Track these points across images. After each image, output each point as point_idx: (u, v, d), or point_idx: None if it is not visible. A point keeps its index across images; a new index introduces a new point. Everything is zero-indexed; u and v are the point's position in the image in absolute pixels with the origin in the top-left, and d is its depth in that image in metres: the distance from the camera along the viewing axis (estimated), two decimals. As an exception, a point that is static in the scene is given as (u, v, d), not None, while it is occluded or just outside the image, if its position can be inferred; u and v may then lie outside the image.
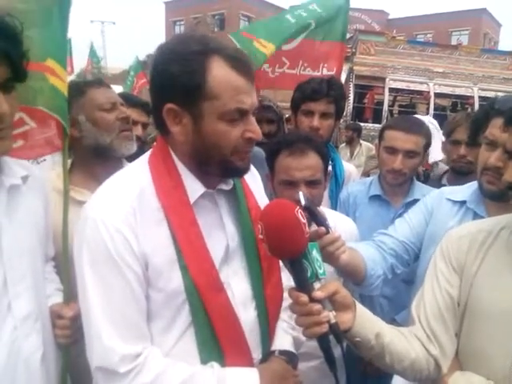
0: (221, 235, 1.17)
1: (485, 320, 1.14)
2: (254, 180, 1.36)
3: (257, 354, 1.19)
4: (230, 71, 1.04)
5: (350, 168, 2.53)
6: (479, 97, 8.70)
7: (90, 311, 1.03)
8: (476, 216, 1.58)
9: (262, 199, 1.33)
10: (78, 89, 1.77)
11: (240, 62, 1.06)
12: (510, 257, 1.14)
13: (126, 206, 1.05)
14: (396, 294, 2.03)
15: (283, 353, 1.24)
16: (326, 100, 2.18)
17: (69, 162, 1.79)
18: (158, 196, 1.08)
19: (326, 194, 2.01)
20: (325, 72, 3.02)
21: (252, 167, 1.38)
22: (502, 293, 1.12)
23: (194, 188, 1.12)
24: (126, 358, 1.01)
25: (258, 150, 2.34)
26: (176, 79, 1.03)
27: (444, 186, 2.34)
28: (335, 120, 2.27)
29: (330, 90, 2.18)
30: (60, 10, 1.53)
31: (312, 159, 1.61)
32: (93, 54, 12.09)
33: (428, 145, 2.09)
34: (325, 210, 1.88)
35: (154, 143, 1.26)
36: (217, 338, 1.09)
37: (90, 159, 1.77)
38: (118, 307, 1.03)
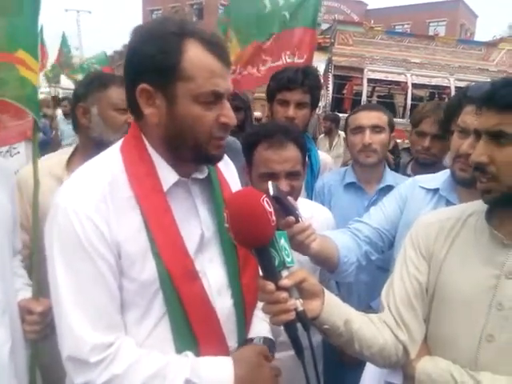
0: (195, 223, 1.16)
1: (452, 305, 1.16)
2: (228, 169, 1.36)
3: (233, 343, 1.18)
4: (206, 54, 1.03)
5: (325, 158, 2.54)
6: (455, 87, 8.80)
7: (61, 300, 1.01)
8: (449, 203, 1.61)
9: (236, 189, 1.32)
10: (101, 81, 1.81)
11: (216, 46, 1.05)
12: (477, 243, 1.16)
13: (97, 193, 1.03)
14: (372, 281, 2.06)
15: (260, 339, 1.24)
16: (301, 89, 2.17)
17: (71, 149, 1.87)
18: (130, 184, 1.07)
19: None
20: (296, 60, 3.04)
21: (226, 157, 1.37)
22: (469, 278, 1.14)
23: (168, 176, 1.11)
24: (97, 347, 0.99)
25: (233, 140, 2.33)
26: (150, 59, 1.02)
27: (409, 175, 2.38)
28: (311, 110, 2.27)
29: (306, 79, 2.17)
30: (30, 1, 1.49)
31: (291, 151, 1.60)
32: (64, 43, 11.70)
33: (391, 124, 2.16)
34: (302, 200, 1.89)
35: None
36: (191, 326, 1.08)
37: (92, 150, 1.75)
38: (89, 296, 1.01)
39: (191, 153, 1.09)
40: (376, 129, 2.10)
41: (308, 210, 1.75)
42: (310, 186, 2.30)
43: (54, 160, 1.79)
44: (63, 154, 1.79)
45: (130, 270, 1.05)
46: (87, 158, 1.72)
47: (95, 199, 1.03)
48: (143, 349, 1.06)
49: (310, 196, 2.25)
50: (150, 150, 1.11)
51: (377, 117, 2.12)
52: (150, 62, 1.02)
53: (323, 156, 2.53)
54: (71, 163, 1.78)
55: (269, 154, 1.59)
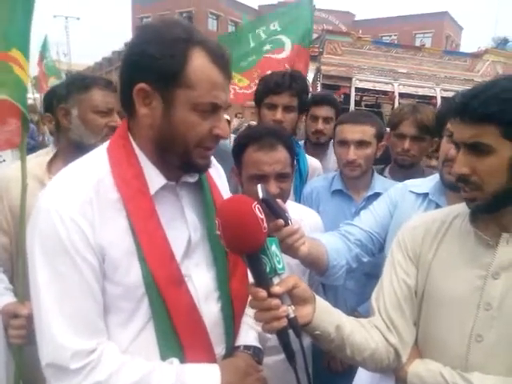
0: (182, 227, 1.15)
1: (441, 307, 1.17)
2: (218, 175, 1.35)
3: (220, 349, 1.16)
4: (211, 65, 1.04)
5: (314, 163, 2.53)
6: (441, 97, 8.91)
7: (42, 305, 0.98)
8: (438, 207, 1.62)
9: (225, 194, 1.31)
10: (83, 83, 1.79)
11: (221, 59, 1.06)
12: (463, 244, 1.17)
13: (82, 195, 1.01)
14: (359, 287, 2.06)
15: (248, 348, 1.23)
16: (288, 93, 2.19)
17: (51, 154, 1.84)
18: (116, 186, 1.05)
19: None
20: None
21: (215, 162, 1.36)
22: (456, 280, 1.15)
23: (155, 179, 1.09)
24: (79, 353, 0.96)
25: (223, 143, 2.32)
26: (155, 60, 1.01)
27: (385, 177, 2.40)
28: (298, 113, 2.28)
29: (293, 82, 2.19)
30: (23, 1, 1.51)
31: (281, 153, 1.61)
32: (44, 47, 11.45)
33: (379, 134, 2.12)
34: (291, 203, 1.88)
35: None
36: (177, 332, 1.06)
37: (73, 152, 1.73)
38: (71, 301, 0.99)
39: (178, 159, 1.09)
40: (360, 144, 2.05)
41: (297, 213, 1.75)
42: (299, 191, 2.30)
43: (35, 162, 1.78)
44: (41, 155, 1.79)
45: (113, 274, 1.03)
46: (68, 160, 1.70)
47: (80, 201, 1.00)
48: (127, 355, 1.03)
49: (297, 201, 2.24)
50: (138, 151, 1.10)
51: (362, 131, 2.06)
52: (154, 63, 1.01)
53: (312, 161, 2.52)
54: (52, 165, 1.77)
55: (259, 155, 1.59)
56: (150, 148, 1.10)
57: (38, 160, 1.78)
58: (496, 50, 10.10)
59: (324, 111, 2.73)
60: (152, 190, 1.08)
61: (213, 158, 1.34)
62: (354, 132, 2.06)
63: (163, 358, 1.06)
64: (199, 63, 1.02)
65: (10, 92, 1.48)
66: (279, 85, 2.18)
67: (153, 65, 1.01)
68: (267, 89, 2.22)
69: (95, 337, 1.00)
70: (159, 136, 1.07)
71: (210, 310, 1.15)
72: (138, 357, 1.04)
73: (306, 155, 2.51)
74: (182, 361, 1.06)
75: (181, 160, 1.09)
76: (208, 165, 1.14)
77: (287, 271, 1.49)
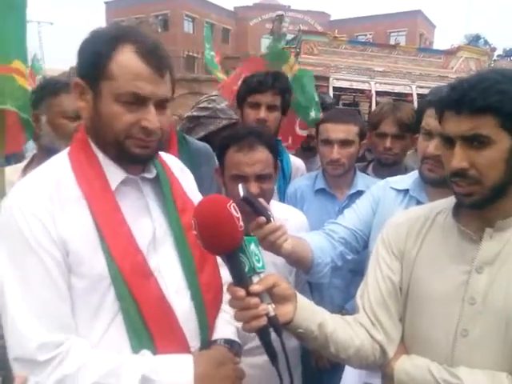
0: (147, 221, 1.17)
1: (426, 303, 1.17)
2: (183, 175, 1.36)
3: (195, 343, 1.17)
4: (135, 58, 1.07)
5: (297, 162, 2.53)
6: (417, 94, 9.05)
7: (6, 298, 0.99)
8: (419, 203, 1.64)
9: (195, 196, 1.32)
10: (52, 89, 1.80)
11: (150, 53, 1.08)
12: (447, 240, 1.18)
13: (43, 192, 1.05)
14: (345, 284, 2.07)
15: (227, 341, 1.23)
16: (271, 92, 2.18)
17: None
18: (78, 183, 1.08)
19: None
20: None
21: (181, 163, 1.38)
22: (440, 276, 1.16)
23: (115, 174, 1.13)
24: (45, 345, 0.97)
25: (204, 145, 2.31)
26: (86, 57, 1.10)
27: (369, 175, 2.43)
28: (281, 114, 2.27)
29: (276, 81, 2.19)
30: (17, 10, 1.57)
31: (262, 153, 1.61)
32: (33, 65, 11.52)
33: (362, 133, 2.14)
34: (276, 203, 1.89)
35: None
36: (147, 325, 1.07)
37: (46, 157, 1.73)
38: (36, 294, 0.99)
39: (114, 150, 1.12)
40: (344, 143, 2.07)
41: (282, 213, 1.76)
42: (282, 191, 2.29)
43: (12, 169, 1.79)
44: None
45: (78, 267, 1.04)
46: (40, 165, 1.73)
47: (41, 197, 1.04)
48: (97, 349, 1.04)
49: (282, 201, 2.23)
50: (96, 150, 1.14)
51: (346, 130, 2.07)
52: (85, 59, 1.10)
53: (295, 160, 2.52)
54: (27, 171, 1.76)
55: (239, 156, 1.60)
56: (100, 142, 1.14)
57: (14, 167, 1.80)
58: (469, 47, 10.31)
59: None
60: (113, 186, 1.12)
61: (180, 162, 1.38)
62: (337, 131, 2.07)
63: (134, 352, 1.06)
64: (123, 57, 1.07)
65: (16, 103, 1.55)
66: (262, 83, 2.17)
67: (84, 61, 1.10)
68: (250, 88, 2.21)
69: (63, 331, 1.01)
70: (94, 128, 1.12)
71: (182, 303, 1.15)
72: (108, 351, 1.04)
73: (290, 155, 2.51)
74: (154, 353, 1.07)
75: (116, 151, 1.12)
76: (146, 154, 1.14)
77: (274, 270, 1.49)
